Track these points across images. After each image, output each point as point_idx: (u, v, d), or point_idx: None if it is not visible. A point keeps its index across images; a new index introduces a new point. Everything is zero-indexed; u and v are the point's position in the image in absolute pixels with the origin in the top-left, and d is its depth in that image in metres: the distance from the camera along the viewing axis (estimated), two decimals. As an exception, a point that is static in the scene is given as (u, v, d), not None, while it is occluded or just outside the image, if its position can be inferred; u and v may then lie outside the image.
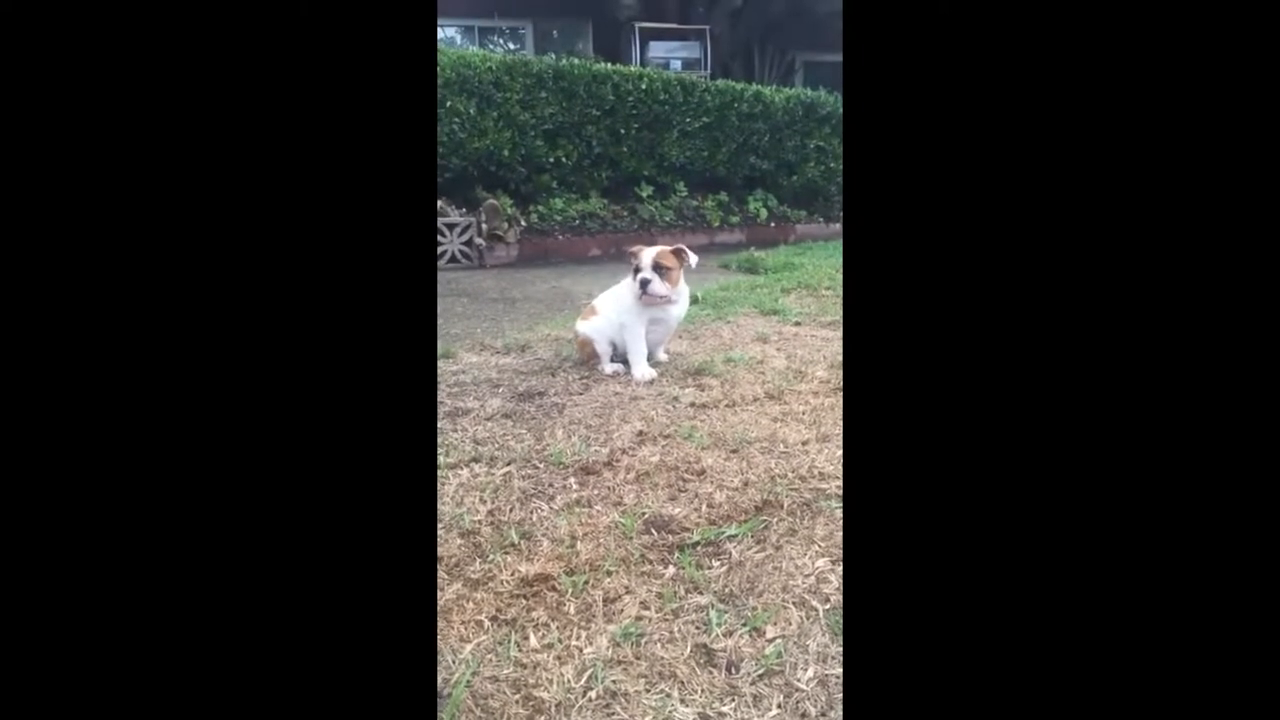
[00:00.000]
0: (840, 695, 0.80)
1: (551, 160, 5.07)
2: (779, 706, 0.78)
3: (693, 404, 1.80)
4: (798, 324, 2.78)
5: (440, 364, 2.19)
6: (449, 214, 4.66)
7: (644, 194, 5.49)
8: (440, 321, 2.88)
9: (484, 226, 4.74)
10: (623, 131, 5.29)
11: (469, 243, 4.72)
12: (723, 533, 1.15)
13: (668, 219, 5.53)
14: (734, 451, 1.49)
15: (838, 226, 6.68)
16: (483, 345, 2.44)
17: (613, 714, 0.77)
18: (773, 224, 6.15)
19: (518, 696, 0.80)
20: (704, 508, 1.23)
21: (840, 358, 2.22)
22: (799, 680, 0.82)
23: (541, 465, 1.42)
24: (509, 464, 1.43)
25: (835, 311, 3.01)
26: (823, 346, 2.40)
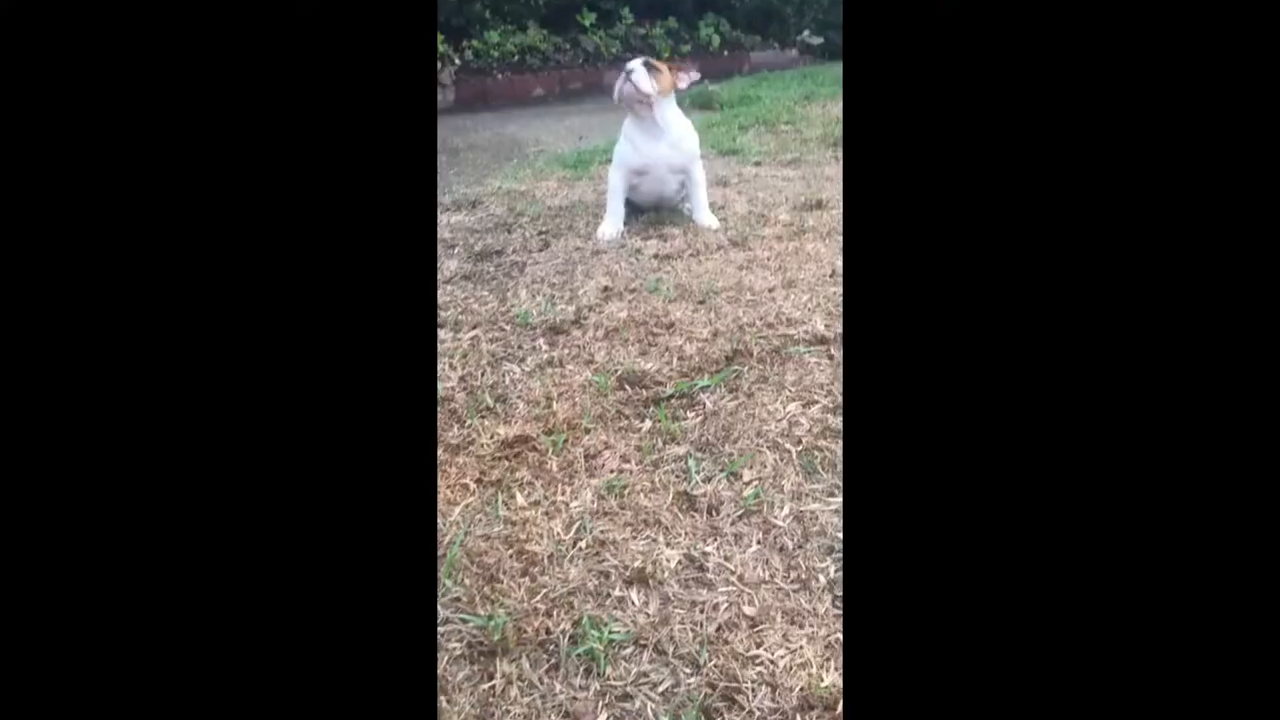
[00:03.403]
0: (815, 529, 0.86)
1: (482, -15, 4.56)
2: (759, 543, 0.84)
3: (656, 255, 1.77)
4: (757, 164, 2.70)
5: (388, 225, 2.08)
6: (373, 54, 4.22)
7: (586, 22, 5.03)
8: (380, 178, 2.70)
9: (414, 67, 4.33)
10: (559, -52, 4.74)
11: (400, 86, 4.32)
12: (695, 384, 1.17)
13: (614, 50, 5.12)
14: (701, 302, 1.48)
15: (794, 53, 6.31)
16: (430, 202, 2.31)
17: (603, 561, 0.82)
18: (726, 52, 5.77)
19: (511, 551, 0.84)
20: (675, 361, 1.24)
21: (802, 199, 2.18)
22: (776, 518, 0.87)
23: (508, 327, 1.40)
24: (475, 328, 1.40)
25: (795, 149, 2.92)
26: (784, 187, 2.35)
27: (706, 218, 1.98)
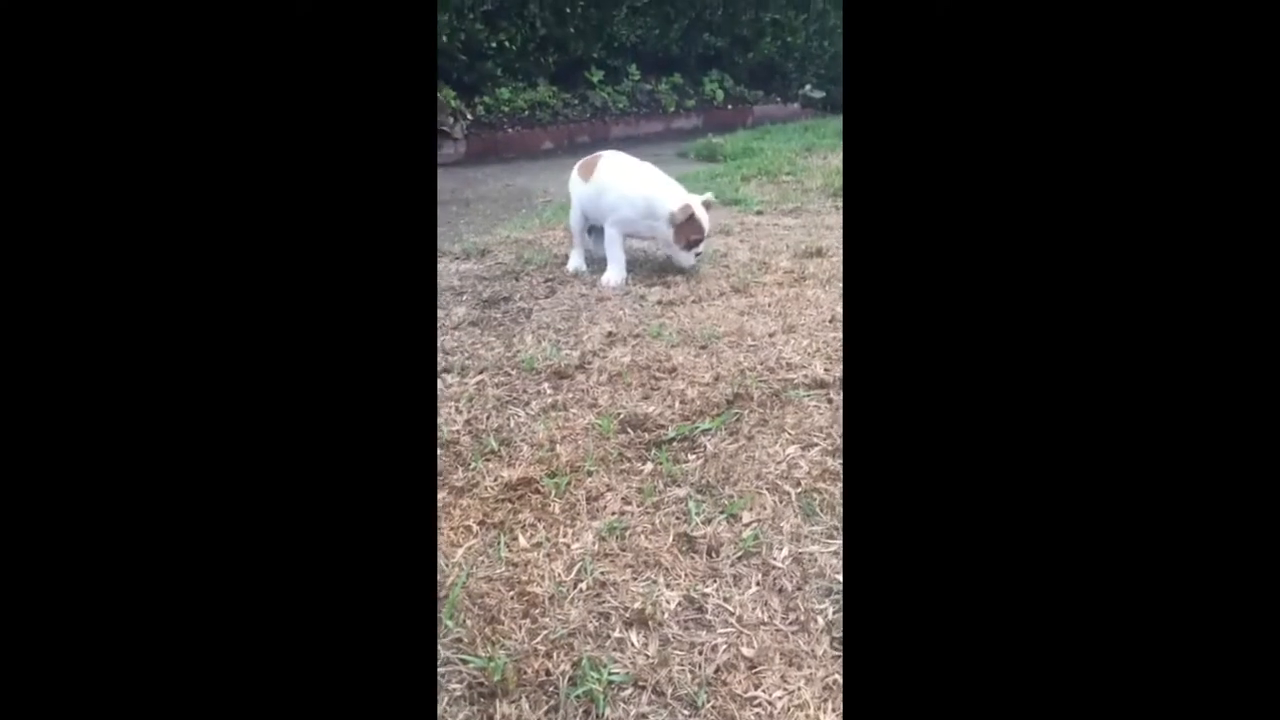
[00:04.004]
0: (814, 570, 0.86)
1: (493, 45, 4.74)
2: (758, 584, 0.84)
3: (659, 302, 1.81)
4: (759, 213, 2.76)
5: (398, 273, 2.13)
6: (389, 110, 4.37)
7: (594, 79, 5.21)
8: (393, 228, 2.77)
9: (428, 122, 4.47)
10: (568, 10, 4.94)
11: (413, 140, 4.46)
12: (696, 427, 1.19)
13: (621, 105, 5.30)
14: (703, 347, 1.51)
15: (796, 106, 6.50)
16: (441, 251, 2.37)
17: (603, 602, 0.83)
18: (730, 106, 5.94)
19: (512, 593, 0.84)
20: (677, 404, 1.27)
21: (803, 246, 2.23)
22: (775, 559, 0.88)
23: (514, 372, 1.43)
24: (481, 372, 1.43)
25: (796, 199, 2.99)
26: (785, 235, 2.40)
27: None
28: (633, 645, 0.76)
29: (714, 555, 0.90)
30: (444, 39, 4.51)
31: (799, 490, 1.01)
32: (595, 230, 2.11)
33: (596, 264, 2.09)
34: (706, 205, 1.96)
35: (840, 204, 2.84)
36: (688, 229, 1.92)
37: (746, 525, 0.95)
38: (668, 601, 0.82)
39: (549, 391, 1.34)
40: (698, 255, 2.01)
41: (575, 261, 2.11)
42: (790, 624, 0.78)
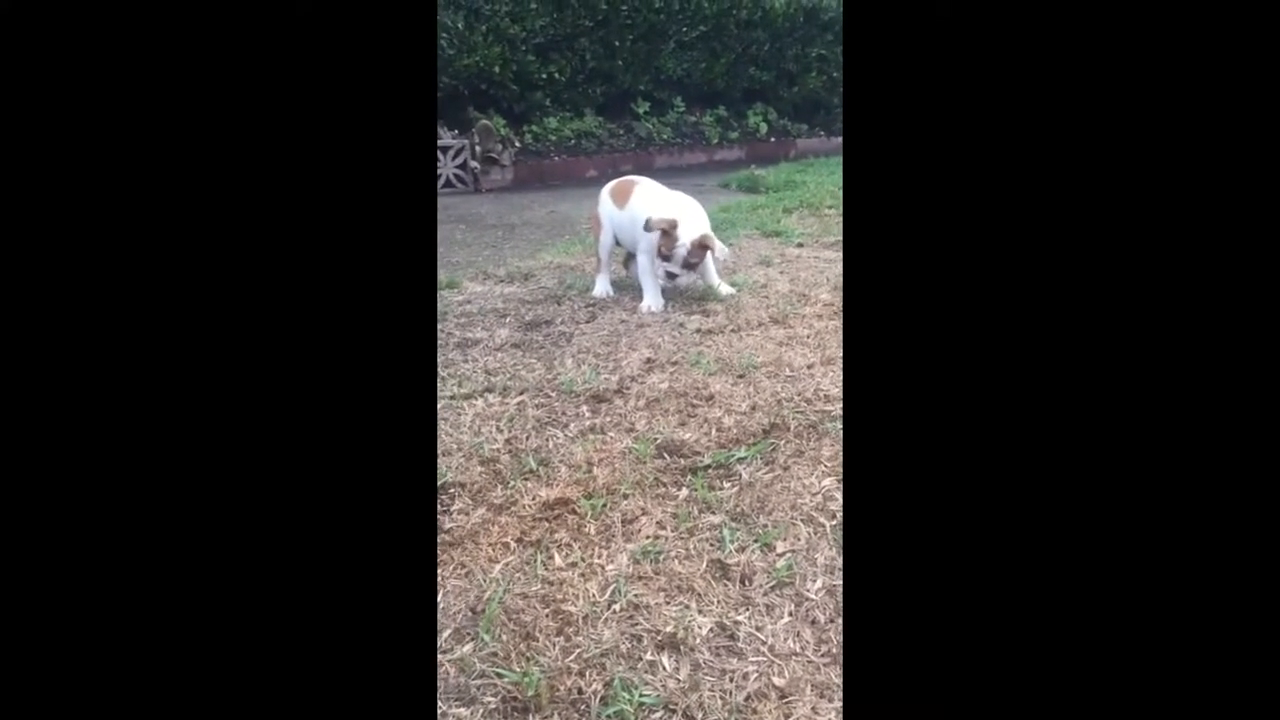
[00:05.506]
0: (847, 603, 0.86)
1: (544, 77, 4.89)
2: (790, 614, 0.84)
3: (698, 330, 1.83)
4: (800, 245, 2.77)
5: (446, 294, 2.20)
6: (442, 136, 4.53)
7: (640, 110, 5.32)
8: (441, 249, 2.87)
9: (477, 149, 4.62)
10: (617, 44, 5.08)
11: (463, 166, 4.61)
12: (732, 455, 1.19)
13: (665, 136, 5.39)
14: (741, 376, 1.52)
15: (839, 140, 6.52)
16: (486, 274, 2.43)
17: (636, 624, 0.84)
18: (773, 139, 6.00)
19: (547, 611, 0.86)
20: (713, 432, 1.28)
21: (843, 280, 2.23)
22: (808, 591, 0.88)
23: (554, 394, 1.46)
24: (522, 393, 1.46)
25: (837, 232, 2.99)
26: (825, 269, 2.40)
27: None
28: (664, 669, 0.77)
29: (747, 583, 0.90)
30: (496, 70, 4.67)
31: (834, 523, 1.01)
32: (631, 257, 2.16)
33: (633, 290, 2.13)
34: (707, 242, 1.96)
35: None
36: (665, 240, 1.94)
37: (780, 555, 0.95)
38: (700, 627, 0.83)
39: (587, 414, 1.37)
40: (672, 276, 2.01)
41: (602, 286, 2.15)
42: (822, 655, 0.78)
